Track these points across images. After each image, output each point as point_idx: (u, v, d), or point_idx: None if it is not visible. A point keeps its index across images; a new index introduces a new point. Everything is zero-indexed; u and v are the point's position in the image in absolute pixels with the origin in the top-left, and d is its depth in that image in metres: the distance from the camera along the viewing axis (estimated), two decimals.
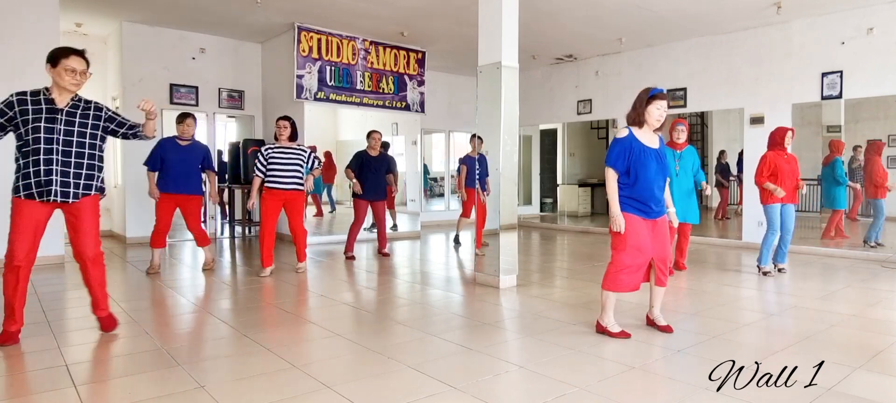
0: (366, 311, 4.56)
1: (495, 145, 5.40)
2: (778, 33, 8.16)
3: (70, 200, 3.51)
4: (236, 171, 9.34)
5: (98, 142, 3.62)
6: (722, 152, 10.90)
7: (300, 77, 8.49)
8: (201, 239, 6.20)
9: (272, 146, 5.98)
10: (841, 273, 6.27)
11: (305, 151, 6.04)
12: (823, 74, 7.74)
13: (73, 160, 3.48)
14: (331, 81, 8.85)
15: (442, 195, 13.35)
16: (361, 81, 9.21)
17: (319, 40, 8.69)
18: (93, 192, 3.60)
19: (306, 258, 6.38)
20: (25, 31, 6.55)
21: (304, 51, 8.52)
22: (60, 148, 3.43)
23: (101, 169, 3.66)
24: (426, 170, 12.85)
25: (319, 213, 12.28)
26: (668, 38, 9.20)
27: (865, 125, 8.31)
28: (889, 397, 2.78)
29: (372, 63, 9.33)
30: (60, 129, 3.44)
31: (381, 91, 9.46)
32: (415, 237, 9.65)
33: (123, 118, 3.76)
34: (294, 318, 4.27)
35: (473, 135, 7.92)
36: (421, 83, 10.03)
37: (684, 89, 9.29)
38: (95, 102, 3.66)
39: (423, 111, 10.10)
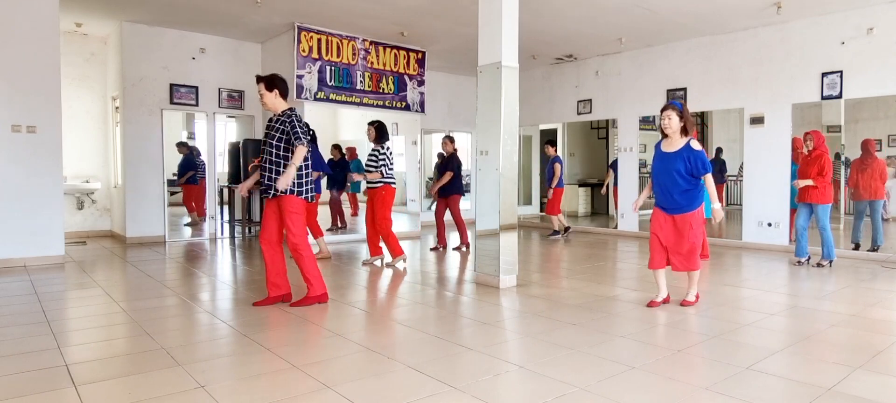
0: (366, 311, 4.56)
1: (495, 145, 5.40)
2: (778, 33, 8.16)
3: None
4: (236, 171, 9.34)
5: None
6: (718, 150, 10.91)
7: (300, 77, 8.49)
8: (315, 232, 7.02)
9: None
10: (841, 273, 6.27)
11: (378, 152, 6.49)
12: (823, 74, 7.74)
13: None
14: (331, 81, 8.85)
15: None
16: (361, 81, 9.21)
17: (319, 40, 8.69)
18: None
19: (398, 253, 6.50)
20: (25, 31, 6.55)
21: (304, 51, 8.52)
22: None
23: None
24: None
25: (355, 213, 12.20)
26: (668, 38, 9.20)
27: (865, 125, 8.32)
28: (889, 397, 2.78)
29: (372, 63, 9.34)
30: None
31: (381, 91, 9.46)
32: (415, 237, 9.66)
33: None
34: (294, 318, 4.27)
35: (547, 142, 9.59)
36: (421, 83, 10.03)
37: (684, 89, 9.28)
38: None
39: (423, 111, 10.10)
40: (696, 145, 4.38)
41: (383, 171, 6.47)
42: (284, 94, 4.52)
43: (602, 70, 10.52)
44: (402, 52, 9.70)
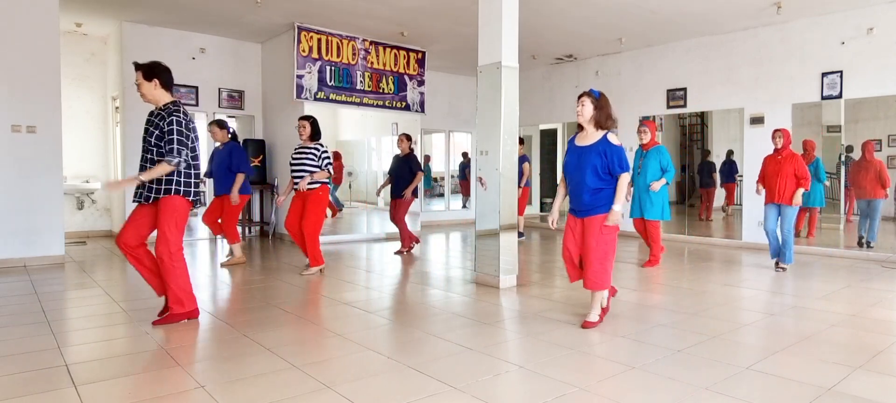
0: (366, 311, 4.56)
1: (495, 145, 5.40)
2: (778, 33, 8.16)
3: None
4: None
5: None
6: (729, 151, 10.79)
7: (300, 77, 8.49)
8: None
9: (297, 146, 6.10)
10: (841, 273, 6.27)
11: (318, 149, 5.91)
12: (823, 74, 7.74)
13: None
14: (331, 81, 8.85)
15: (442, 195, 13.35)
16: (361, 81, 9.21)
17: (319, 40, 8.69)
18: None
19: (319, 262, 5.98)
20: (25, 31, 6.55)
21: (304, 51, 8.52)
22: None
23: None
24: (428, 170, 12.86)
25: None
26: (668, 38, 9.20)
27: (865, 125, 8.31)
28: (889, 397, 2.78)
29: (372, 63, 9.34)
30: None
31: (381, 91, 9.46)
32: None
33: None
34: (294, 318, 4.27)
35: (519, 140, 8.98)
36: (421, 83, 10.03)
37: (684, 89, 9.28)
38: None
39: (423, 111, 10.10)
40: (613, 139, 3.86)
41: (329, 170, 5.94)
42: (168, 85, 3.94)
43: (602, 70, 10.52)
44: (402, 52, 9.70)
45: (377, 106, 9.46)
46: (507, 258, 5.41)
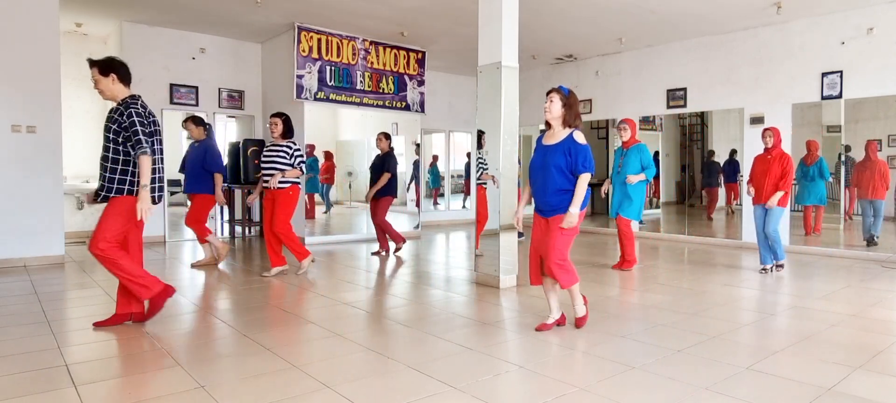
0: (366, 311, 4.56)
1: (495, 145, 5.40)
2: (778, 33, 8.16)
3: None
4: (236, 171, 9.34)
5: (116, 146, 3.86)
6: (732, 151, 10.80)
7: (300, 77, 8.49)
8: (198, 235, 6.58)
9: (268, 144, 6.00)
10: (841, 273, 6.27)
11: (290, 147, 5.81)
12: (823, 74, 7.74)
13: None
14: (331, 81, 8.85)
15: (442, 195, 13.35)
16: (361, 81, 9.21)
17: (319, 40, 8.69)
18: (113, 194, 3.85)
19: (304, 254, 5.98)
20: (25, 31, 6.55)
21: (304, 51, 8.52)
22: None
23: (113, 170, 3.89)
24: (435, 171, 12.89)
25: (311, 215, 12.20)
26: (668, 38, 9.20)
27: (865, 125, 8.31)
28: (889, 397, 2.78)
29: (372, 63, 9.34)
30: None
31: (381, 91, 9.46)
32: (415, 237, 9.65)
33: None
34: (294, 318, 4.27)
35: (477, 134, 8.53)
36: (421, 83, 10.03)
37: (684, 89, 9.28)
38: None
39: (423, 111, 10.10)
40: (579, 138, 3.71)
41: (302, 169, 5.83)
42: (125, 80, 3.82)
43: (602, 70, 10.52)
44: (402, 52, 9.70)
45: (377, 106, 9.46)
46: (507, 258, 5.41)
